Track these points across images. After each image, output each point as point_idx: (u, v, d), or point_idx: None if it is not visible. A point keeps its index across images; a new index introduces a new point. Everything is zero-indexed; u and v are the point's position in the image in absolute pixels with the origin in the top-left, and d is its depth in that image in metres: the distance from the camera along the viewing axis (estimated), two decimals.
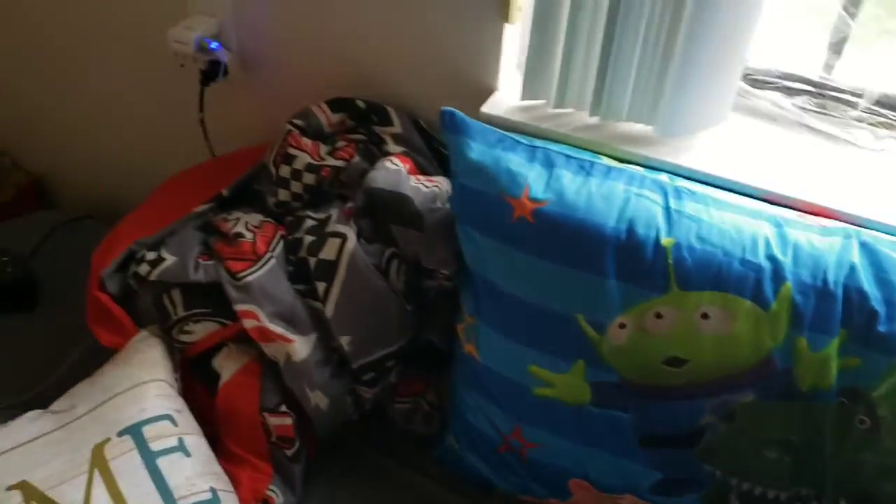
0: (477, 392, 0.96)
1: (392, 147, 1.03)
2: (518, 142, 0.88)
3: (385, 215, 0.96)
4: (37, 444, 0.90)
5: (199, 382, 1.03)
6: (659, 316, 0.83)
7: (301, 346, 0.96)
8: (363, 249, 0.96)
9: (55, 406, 0.97)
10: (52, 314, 1.23)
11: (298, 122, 1.05)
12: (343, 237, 0.96)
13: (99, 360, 1.09)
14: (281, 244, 1.01)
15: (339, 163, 1.03)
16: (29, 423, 0.94)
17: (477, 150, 0.87)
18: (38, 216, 1.43)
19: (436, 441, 1.08)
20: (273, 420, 0.98)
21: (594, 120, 0.97)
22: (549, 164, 0.86)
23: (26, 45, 1.35)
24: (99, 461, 0.89)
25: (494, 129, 0.89)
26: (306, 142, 1.04)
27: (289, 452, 0.99)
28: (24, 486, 0.87)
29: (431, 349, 1.04)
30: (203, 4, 1.12)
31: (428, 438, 1.09)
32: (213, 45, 1.10)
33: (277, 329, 0.95)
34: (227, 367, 1.00)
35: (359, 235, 0.97)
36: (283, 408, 0.98)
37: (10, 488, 0.86)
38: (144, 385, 0.96)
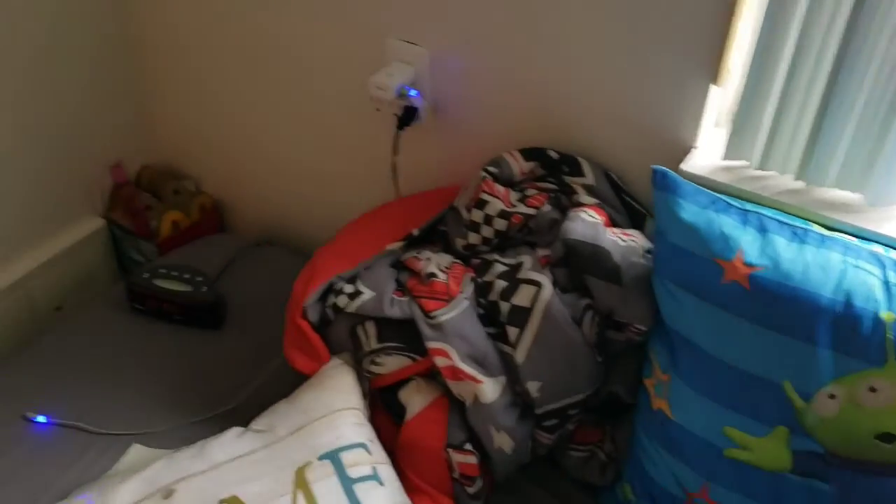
0: (663, 447, 0.96)
1: (584, 198, 1.06)
2: (730, 204, 0.89)
3: (582, 267, 0.98)
4: (245, 461, 0.97)
5: (382, 412, 1.08)
6: (873, 389, 0.81)
7: (490, 388, 0.99)
8: (558, 299, 0.99)
9: (256, 425, 1.04)
10: (237, 333, 1.31)
11: (492, 169, 1.09)
12: (538, 285, 0.99)
13: (285, 380, 1.16)
14: (471, 286, 1.05)
15: (530, 210, 1.06)
16: (236, 439, 1.01)
17: (688, 211, 0.88)
18: (218, 239, 1.54)
19: (607, 491, 1.09)
20: (457, 457, 1.01)
21: (798, 184, 0.96)
22: (762, 229, 0.86)
23: (221, 74, 1.45)
24: (301, 483, 0.94)
25: (706, 190, 0.90)
26: (499, 188, 1.08)
27: (470, 490, 1.01)
28: (234, 501, 0.93)
29: (613, 400, 1.05)
30: (402, 53, 1.18)
31: (599, 488, 1.10)
32: (413, 93, 1.16)
33: (468, 369, 0.99)
34: (414, 400, 1.04)
35: (553, 284, 1.00)
36: (468, 446, 1.01)
37: (222, 501, 0.93)
38: (340, 412, 1.01)
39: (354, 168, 1.37)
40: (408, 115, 1.18)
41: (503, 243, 1.10)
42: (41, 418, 1.14)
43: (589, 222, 1.00)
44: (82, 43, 1.42)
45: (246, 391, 1.18)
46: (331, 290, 1.09)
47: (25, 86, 1.35)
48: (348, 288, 1.07)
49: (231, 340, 1.30)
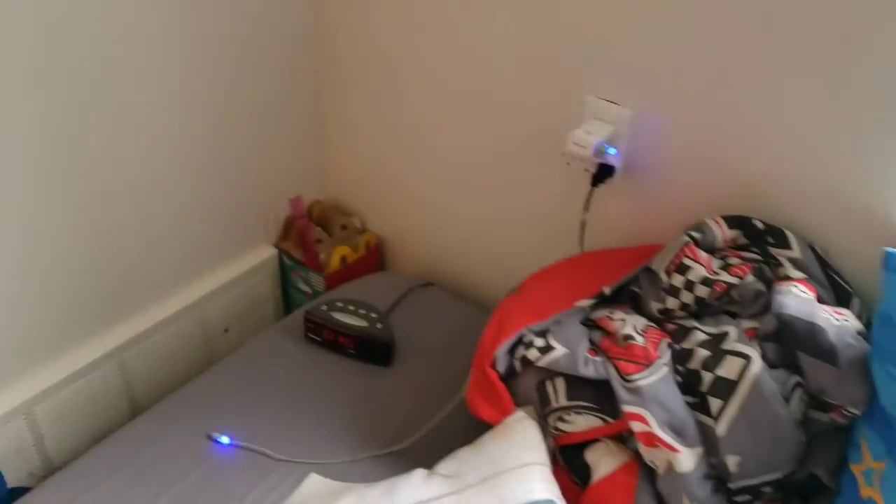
0: None
1: (791, 272, 1.03)
2: None
3: (795, 344, 0.96)
4: None
5: (561, 470, 1.07)
6: None
7: (686, 458, 0.97)
8: (767, 374, 0.96)
9: (442, 469, 1.04)
10: (406, 371, 1.33)
11: (695, 234, 1.08)
12: (747, 358, 0.97)
13: (458, 424, 1.18)
14: (668, 352, 1.04)
15: (734, 280, 1.04)
16: (424, 482, 1.02)
17: None
18: (386, 277, 1.58)
19: None
20: None
21: None
22: None
23: (402, 117, 1.50)
24: None
25: None
26: (702, 254, 1.07)
27: None
28: None
29: (809, 481, 1.01)
30: (600, 111, 1.19)
31: None
32: (612, 151, 1.17)
33: (666, 437, 0.97)
34: (603, 463, 1.02)
35: (762, 358, 0.97)
36: None
37: None
38: (529, 466, 1.01)
39: (532, 220, 1.39)
40: (603, 173, 1.18)
41: (700, 310, 1.08)
42: (225, 439, 1.19)
43: (804, 298, 0.98)
44: (274, 85, 1.50)
45: (419, 431, 1.20)
46: (520, 341, 1.09)
47: (218, 120, 1.43)
48: (539, 342, 1.08)
49: (401, 379, 1.32)
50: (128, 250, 1.39)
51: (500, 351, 1.08)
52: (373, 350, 1.33)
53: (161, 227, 1.43)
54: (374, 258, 1.66)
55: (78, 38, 1.16)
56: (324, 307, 1.36)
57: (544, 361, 1.06)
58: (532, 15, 1.22)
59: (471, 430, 1.14)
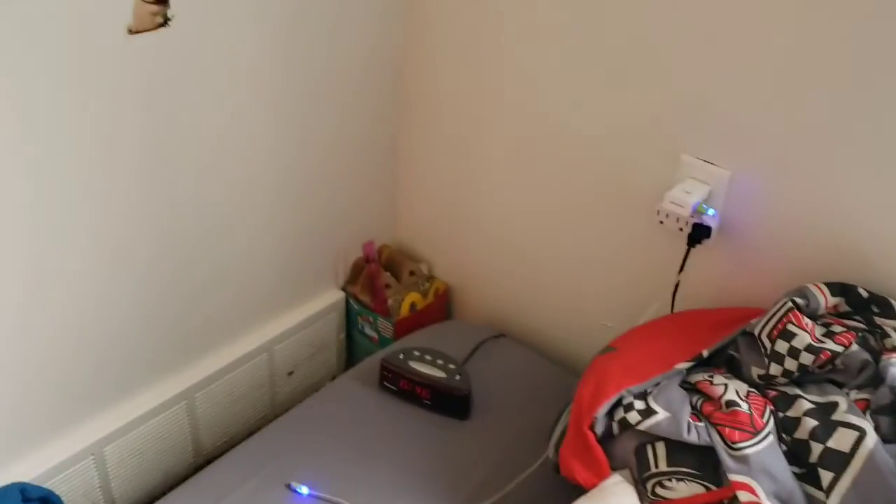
0: None
1: None
2: None
3: None
4: None
5: None
6: None
7: None
8: (882, 448, 0.94)
9: None
10: (482, 425, 1.31)
11: (799, 300, 1.07)
12: (861, 431, 0.94)
13: (543, 483, 1.15)
14: (772, 420, 1.02)
15: (838, 348, 1.03)
16: None
17: None
18: (458, 326, 1.57)
19: None
20: None
21: None
22: None
23: (478, 168, 1.50)
24: None
25: None
26: (807, 321, 1.05)
27: None
28: None
29: None
30: (698, 171, 1.19)
31: None
32: (711, 212, 1.16)
33: None
34: None
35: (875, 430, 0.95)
36: None
37: None
38: None
39: (614, 274, 1.37)
40: (699, 233, 1.18)
41: (801, 377, 1.06)
42: (304, 489, 1.17)
43: None
44: (352, 130, 1.51)
45: (501, 490, 1.17)
46: (618, 403, 1.07)
47: (295, 162, 1.43)
48: (639, 404, 1.05)
49: (478, 433, 1.30)
50: (199, 291, 1.39)
51: (600, 412, 1.05)
52: (450, 402, 1.31)
53: (233, 268, 1.42)
54: (442, 305, 1.64)
55: (165, 87, 1.17)
56: (401, 356, 1.34)
57: (645, 425, 1.03)
58: (629, 69, 1.22)
59: (555, 491, 1.12)
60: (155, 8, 1.08)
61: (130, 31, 1.07)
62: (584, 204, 1.37)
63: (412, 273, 1.63)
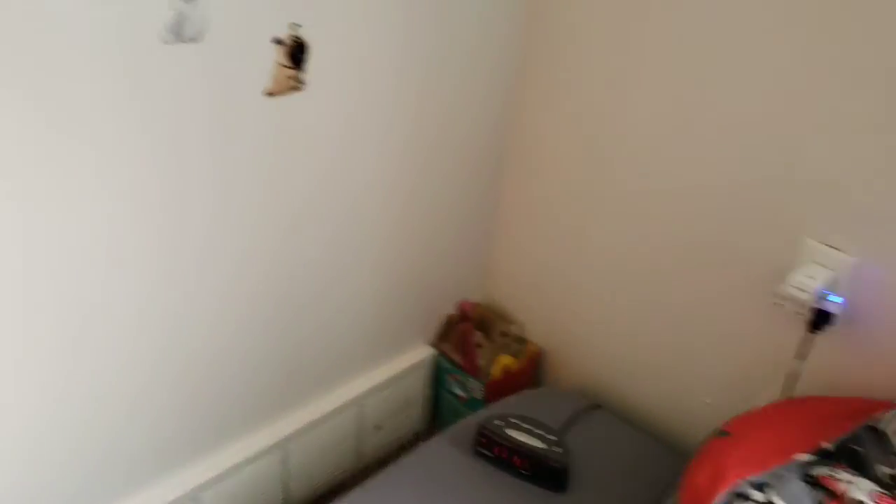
0: None
1: None
2: None
3: None
4: None
5: None
6: None
7: None
8: None
9: None
10: (578, 499, 1.28)
11: None
12: None
13: None
14: None
15: None
16: None
17: None
18: (547, 393, 1.54)
19: None
20: None
21: None
22: None
23: (579, 223, 1.50)
24: None
25: None
26: None
27: None
28: None
29: None
30: (820, 255, 1.16)
31: None
32: (837, 299, 1.13)
33: None
34: None
35: None
36: None
37: None
38: None
39: (722, 354, 1.34)
40: (821, 320, 1.14)
41: None
42: None
43: None
44: (454, 190, 1.52)
45: None
46: (736, 493, 1.04)
47: (398, 222, 1.45)
48: (758, 495, 1.02)
49: None
50: (303, 345, 1.40)
51: (718, 502, 1.02)
52: (547, 473, 1.28)
53: (335, 323, 1.44)
54: (533, 369, 1.63)
55: (303, 152, 1.21)
56: (498, 422, 1.32)
57: None
58: (760, 143, 1.20)
59: None
60: (291, 72, 1.12)
61: (268, 94, 1.11)
62: (693, 275, 1.34)
63: (504, 334, 1.62)
